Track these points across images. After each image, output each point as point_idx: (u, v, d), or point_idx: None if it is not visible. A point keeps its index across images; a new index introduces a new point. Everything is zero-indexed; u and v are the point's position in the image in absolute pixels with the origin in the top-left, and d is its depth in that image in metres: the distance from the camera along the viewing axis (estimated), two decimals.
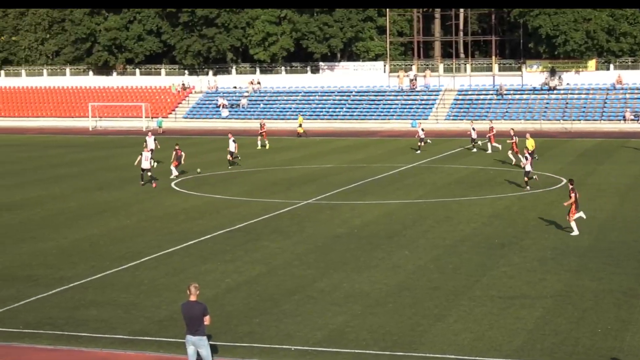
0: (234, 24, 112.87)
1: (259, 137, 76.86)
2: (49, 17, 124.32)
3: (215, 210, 43.17)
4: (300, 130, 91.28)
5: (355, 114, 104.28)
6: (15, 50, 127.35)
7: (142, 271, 30.49)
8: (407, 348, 22.12)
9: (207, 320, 19.46)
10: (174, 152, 56.99)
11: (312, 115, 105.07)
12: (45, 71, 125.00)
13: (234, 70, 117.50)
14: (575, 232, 36.01)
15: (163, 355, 21.99)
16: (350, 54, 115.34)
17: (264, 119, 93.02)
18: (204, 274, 29.85)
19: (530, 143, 58.28)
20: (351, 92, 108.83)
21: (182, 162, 57.18)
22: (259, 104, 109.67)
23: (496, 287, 27.60)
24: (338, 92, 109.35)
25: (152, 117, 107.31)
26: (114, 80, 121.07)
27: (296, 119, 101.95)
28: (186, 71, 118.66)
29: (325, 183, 52.62)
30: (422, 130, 73.08)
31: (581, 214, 36.94)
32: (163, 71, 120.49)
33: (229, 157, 62.10)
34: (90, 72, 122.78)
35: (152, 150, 59.87)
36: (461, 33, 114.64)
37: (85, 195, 49.25)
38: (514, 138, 62.48)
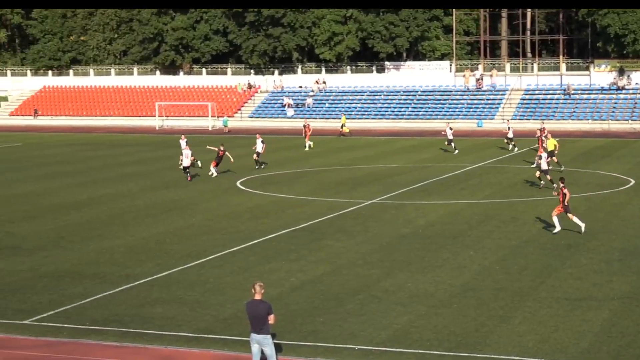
0: (300, 24, 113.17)
1: (306, 139, 76.73)
2: (117, 17, 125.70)
3: (280, 210, 43.30)
4: (346, 130, 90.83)
5: (420, 113, 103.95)
6: (84, 50, 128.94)
7: (208, 269, 30.69)
8: (472, 349, 22.01)
9: (271, 319, 19.50)
10: (217, 152, 57.19)
11: (377, 115, 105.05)
12: (113, 71, 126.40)
13: (299, 70, 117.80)
14: (557, 229, 35.82)
15: (227, 354, 22.11)
16: (416, 54, 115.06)
17: (328, 118, 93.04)
18: (268, 272, 29.96)
19: (551, 143, 57.76)
20: (416, 91, 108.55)
21: (231, 160, 57.73)
22: (324, 104, 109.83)
23: (562, 289, 27.34)
24: (403, 91, 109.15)
25: (217, 117, 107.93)
26: (181, 80, 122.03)
27: (362, 118, 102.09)
28: (252, 71, 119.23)
29: (390, 183, 52.54)
30: (451, 129, 72.02)
31: (575, 219, 36.55)
32: (229, 71, 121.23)
33: (255, 157, 61.75)
34: (157, 72, 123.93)
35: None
36: (528, 32, 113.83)
37: (152, 193, 49.70)
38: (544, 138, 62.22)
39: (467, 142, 79.71)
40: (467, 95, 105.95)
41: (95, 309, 25.83)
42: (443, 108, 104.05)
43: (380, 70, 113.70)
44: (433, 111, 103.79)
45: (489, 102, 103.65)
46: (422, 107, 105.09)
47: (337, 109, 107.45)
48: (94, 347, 22.71)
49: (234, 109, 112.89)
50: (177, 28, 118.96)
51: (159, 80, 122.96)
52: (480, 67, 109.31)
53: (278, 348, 20.77)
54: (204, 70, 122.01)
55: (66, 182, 55.36)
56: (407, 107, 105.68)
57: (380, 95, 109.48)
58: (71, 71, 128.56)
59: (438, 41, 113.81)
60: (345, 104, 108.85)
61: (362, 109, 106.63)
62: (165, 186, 52.66)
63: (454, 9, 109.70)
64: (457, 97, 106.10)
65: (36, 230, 38.69)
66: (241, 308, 23.73)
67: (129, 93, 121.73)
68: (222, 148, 57.33)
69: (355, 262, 31.61)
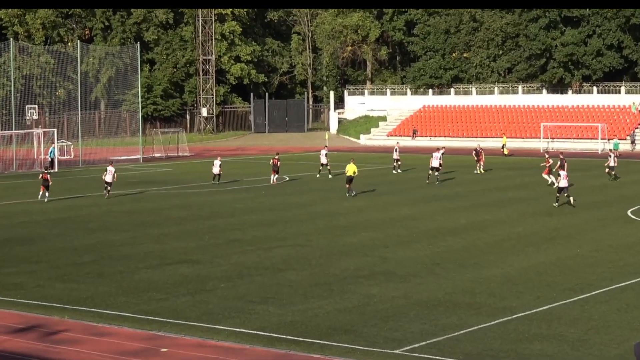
0: None
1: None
2: (502, 33, 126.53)
3: None
4: (506, 152, 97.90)
5: None
6: (466, 68, 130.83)
7: (592, 305, 29.99)
8: None
9: None
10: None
11: None
12: (496, 89, 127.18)
13: None
14: None
15: None
16: None
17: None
18: None
19: (351, 168, 60.58)
20: None
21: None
22: None
23: None
24: None
25: (608, 139, 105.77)
26: (569, 99, 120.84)
27: None
28: None
29: None
30: (396, 150, 79.01)
31: None
32: (622, 89, 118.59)
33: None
34: (544, 90, 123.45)
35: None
36: None
37: (533, 220, 49.36)
38: (549, 161, 68.16)
39: None
40: None
41: (470, 342, 25.87)
42: None
43: None
44: None
45: None
46: None
47: None
48: None
49: (627, 130, 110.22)
50: (567, 43, 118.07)
51: (545, 99, 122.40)
52: None
53: None
54: (594, 88, 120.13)
55: (444, 206, 56.14)
56: None
57: None
58: (452, 90, 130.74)
59: None
60: None
61: None
62: (548, 213, 52.14)
63: None
64: None
65: (410, 255, 39.44)
66: (629, 349, 23.01)
67: (512, 113, 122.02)
68: (277, 157, 65.69)
69: None
